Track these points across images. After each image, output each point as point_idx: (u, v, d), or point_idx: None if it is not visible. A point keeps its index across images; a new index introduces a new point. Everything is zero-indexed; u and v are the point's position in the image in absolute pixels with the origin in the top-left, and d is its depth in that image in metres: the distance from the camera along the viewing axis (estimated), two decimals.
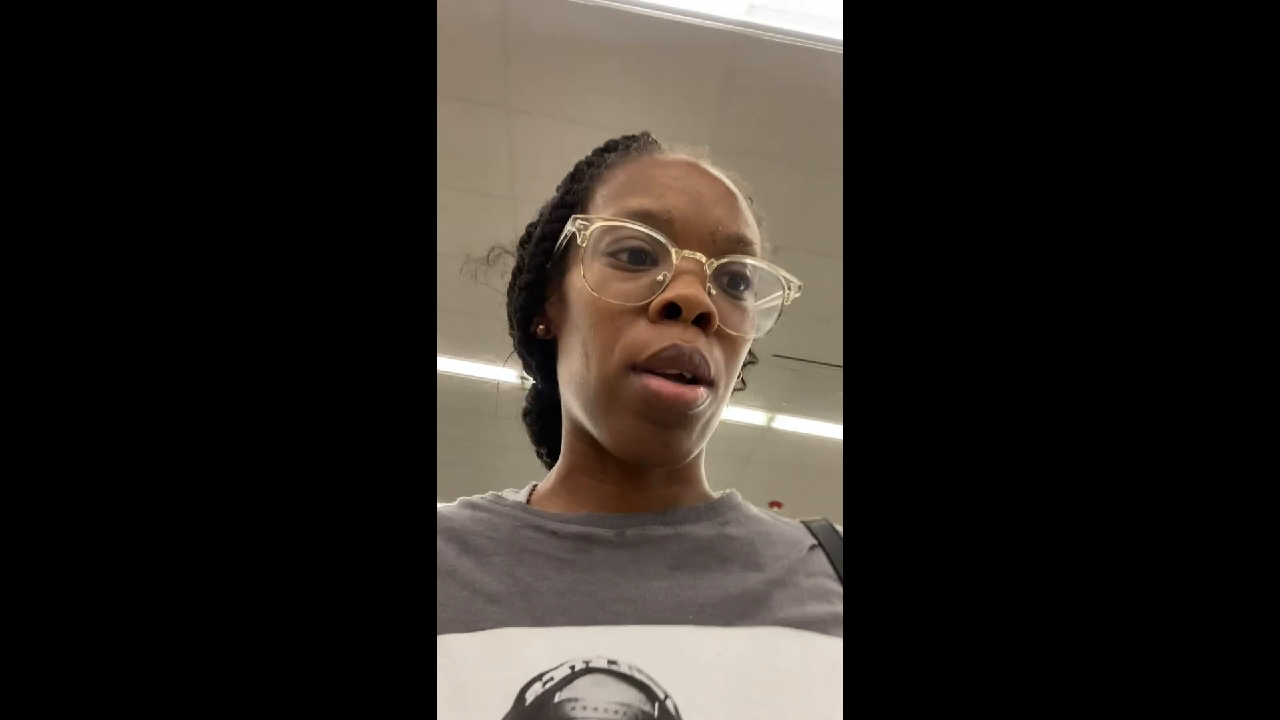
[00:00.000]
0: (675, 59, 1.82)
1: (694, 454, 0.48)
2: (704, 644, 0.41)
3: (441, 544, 0.46)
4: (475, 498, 0.52)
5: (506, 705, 0.37)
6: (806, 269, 0.54)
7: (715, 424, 0.48)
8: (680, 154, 0.52)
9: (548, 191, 0.55)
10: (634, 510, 0.49)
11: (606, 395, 0.45)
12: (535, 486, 0.54)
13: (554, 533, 0.47)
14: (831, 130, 1.98)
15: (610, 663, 0.39)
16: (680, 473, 0.51)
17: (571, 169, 0.55)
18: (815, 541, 0.50)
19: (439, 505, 0.51)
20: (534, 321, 0.53)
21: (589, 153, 0.55)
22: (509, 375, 0.60)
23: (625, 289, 0.45)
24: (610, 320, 0.45)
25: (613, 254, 0.46)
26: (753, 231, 0.49)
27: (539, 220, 0.54)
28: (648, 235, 0.45)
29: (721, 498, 0.52)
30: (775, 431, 3.53)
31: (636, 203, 0.46)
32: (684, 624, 0.42)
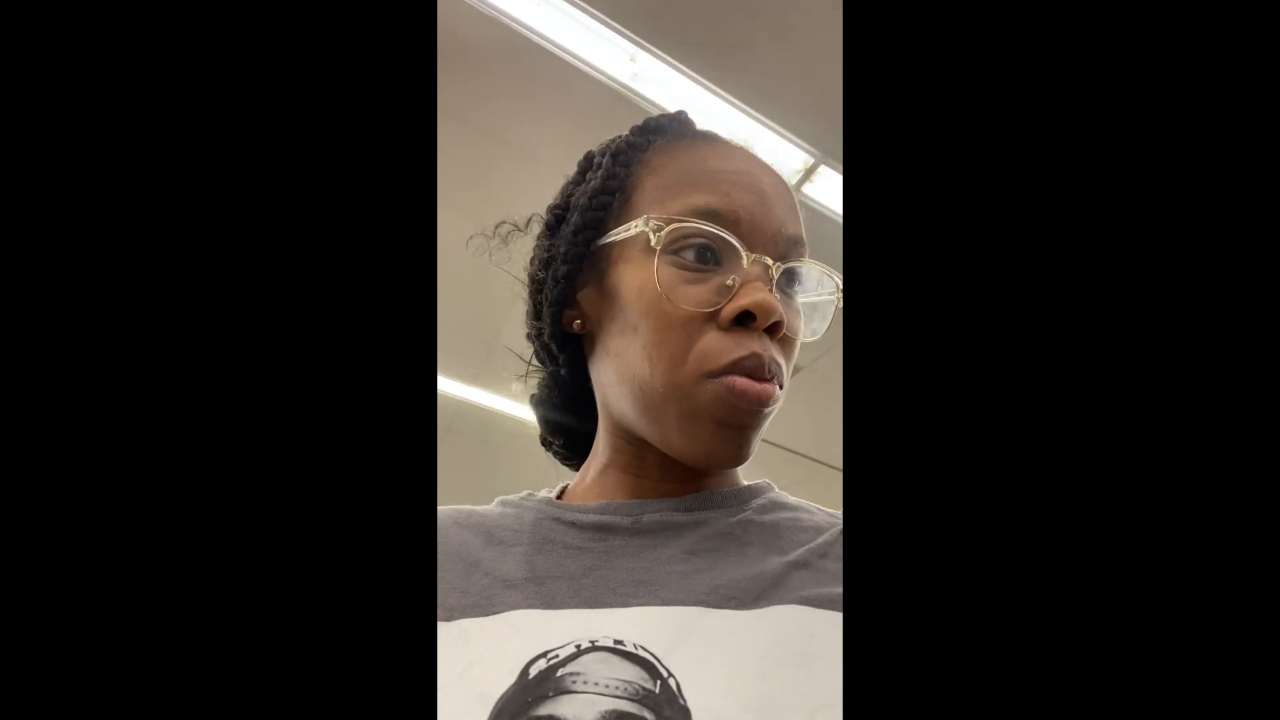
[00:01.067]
0: (566, 96, 1.94)
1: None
2: (714, 624, 0.40)
3: (472, 538, 0.48)
4: (511, 496, 0.53)
5: (510, 679, 0.38)
6: None
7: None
8: (733, 143, 0.51)
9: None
10: (657, 496, 0.49)
11: (680, 400, 0.44)
12: (566, 486, 0.54)
13: (572, 523, 0.47)
14: None
15: (616, 641, 0.39)
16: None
17: (610, 149, 0.51)
18: None
19: (479, 507, 0.52)
20: (566, 313, 0.51)
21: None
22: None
23: (693, 293, 0.44)
24: (680, 326, 0.43)
25: (675, 252, 0.44)
26: (803, 233, 0.48)
27: (572, 206, 0.51)
28: (718, 236, 0.44)
29: (749, 485, 0.51)
30: None
31: (701, 200, 0.45)
32: (695, 605, 0.41)
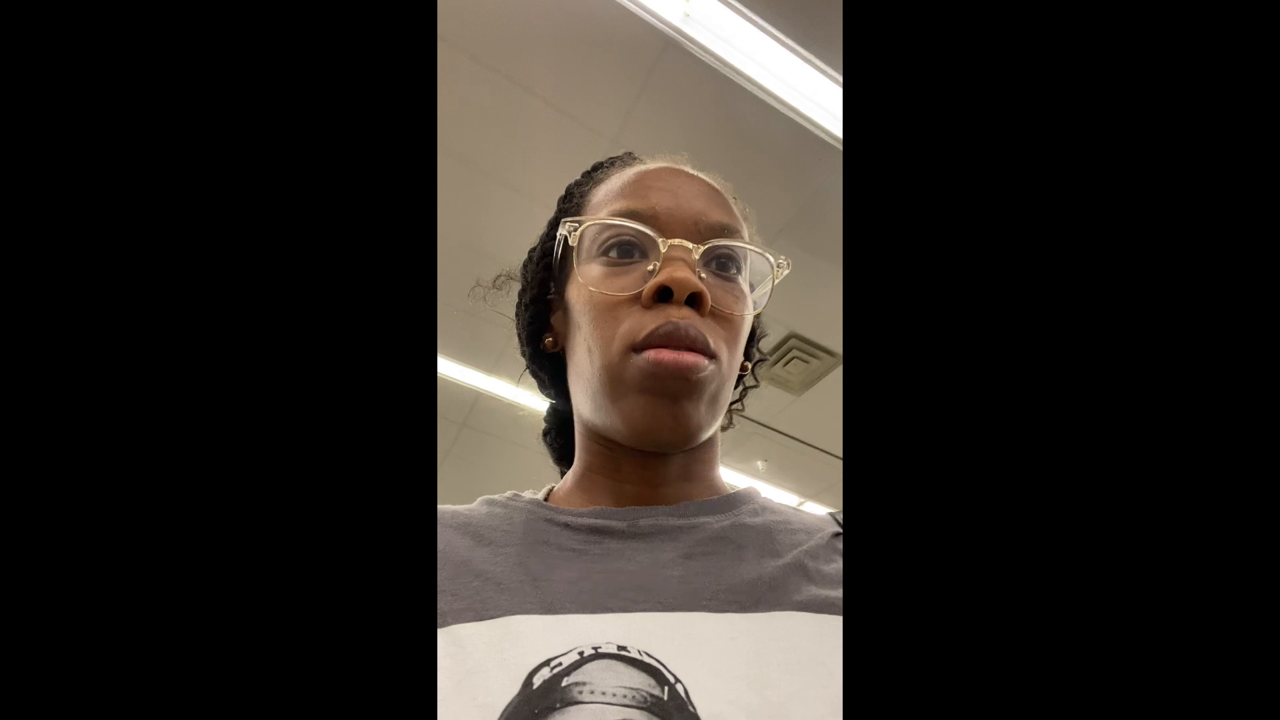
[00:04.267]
0: (608, 38, 1.84)
1: (705, 433, 0.48)
2: (717, 629, 0.40)
3: (458, 538, 0.47)
4: (495, 496, 0.53)
5: (514, 689, 0.36)
6: None
7: (722, 406, 0.49)
8: (661, 162, 0.54)
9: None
10: (655, 504, 0.49)
11: (611, 381, 0.46)
12: (553, 488, 0.55)
13: (566, 525, 0.47)
14: (724, 163, 2.09)
15: (620, 648, 0.38)
16: (695, 469, 0.51)
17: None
18: (840, 529, 0.50)
19: (461, 506, 0.52)
20: (542, 337, 0.55)
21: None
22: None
23: (619, 282, 0.47)
24: (608, 311, 0.47)
25: (604, 252, 0.49)
26: (737, 221, 0.51)
27: (537, 243, 0.57)
28: (635, 230, 0.48)
29: (739, 491, 0.52)
30: None
31: (622, 204, 0.49)
32: (697, 610, 0.41)
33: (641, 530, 0.46)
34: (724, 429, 0.59)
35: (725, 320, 0.48)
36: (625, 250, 0.48)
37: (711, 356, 0.46)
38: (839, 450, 3.15)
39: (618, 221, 0.48)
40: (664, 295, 0.46)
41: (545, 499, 0.53)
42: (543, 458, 0.64)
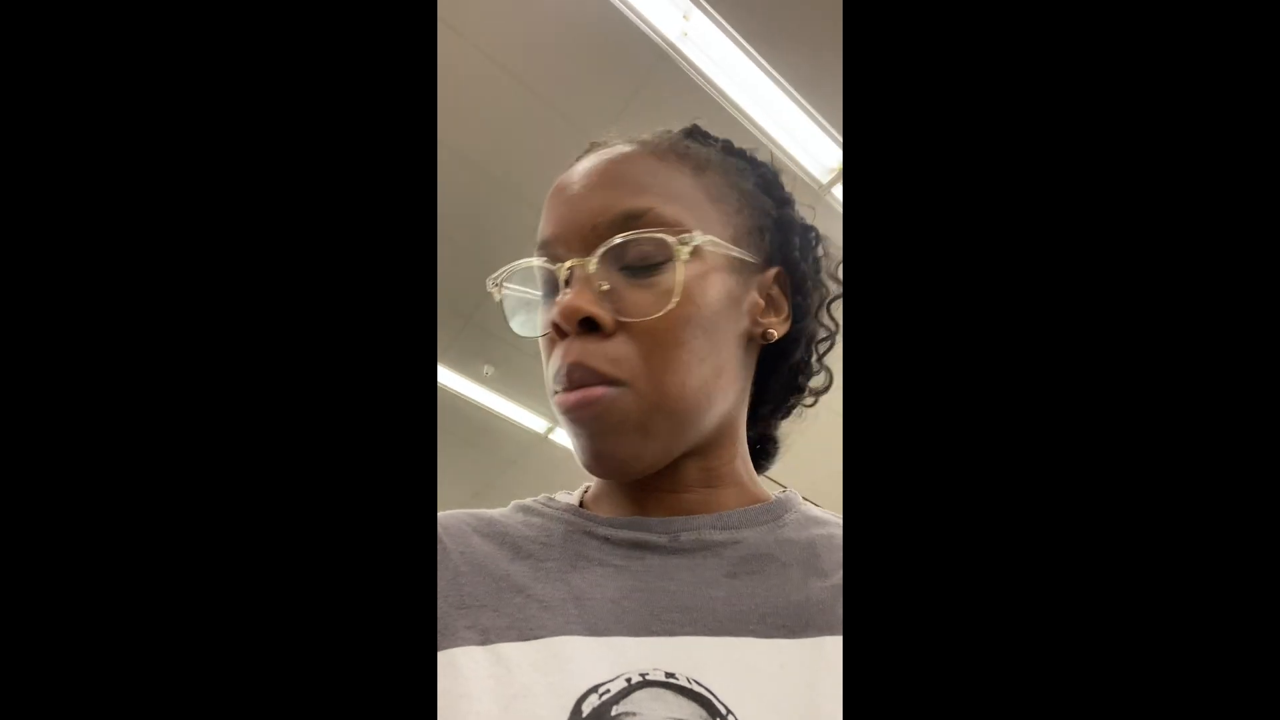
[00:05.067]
0: (607, 44, 1.86)
1: (658, 458, 0.44)
2: (766, 656, 0.39)
3: (494, 549, 0.45)
4: (528, 501, 0.50)
5: (563, 716, 0.35)
6: None
7: (677, 424, 0.44)
8: (583, 160, 0.49)
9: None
10: (681, 510, 0.47)
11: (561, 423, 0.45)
12: (589, 488, 0.52)
13: (606, 538, 0.45)
14: None
15: (668, 675, 0.37)
16: (714, 475, 0.48)
17: None
18: None
19: (492, 511, 0.49)
20: None
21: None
22: None
23: (543, 321, 0.46)
24: (546, 352, 0.46)
25: (543, 294, 0.47)
26: (647, 198, 0.44)
27: None
28: (539, 267, 0.46)
29: (778, 498, 0.50)
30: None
31: (539, 236, 0.46)
32: (745, 635, 0.40)
33: (683, 545, 0.45)
34: (819, 390, 0.55)
35: (642, 330, 0.42)
36: (549, 287, 0.46)
37: (612, 383, 0.42)
38: None
39: (525, 263, 0.47)
40: (562, 331, 0.43)
41: (580, 502, 0.51)
42: None
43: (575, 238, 0.44)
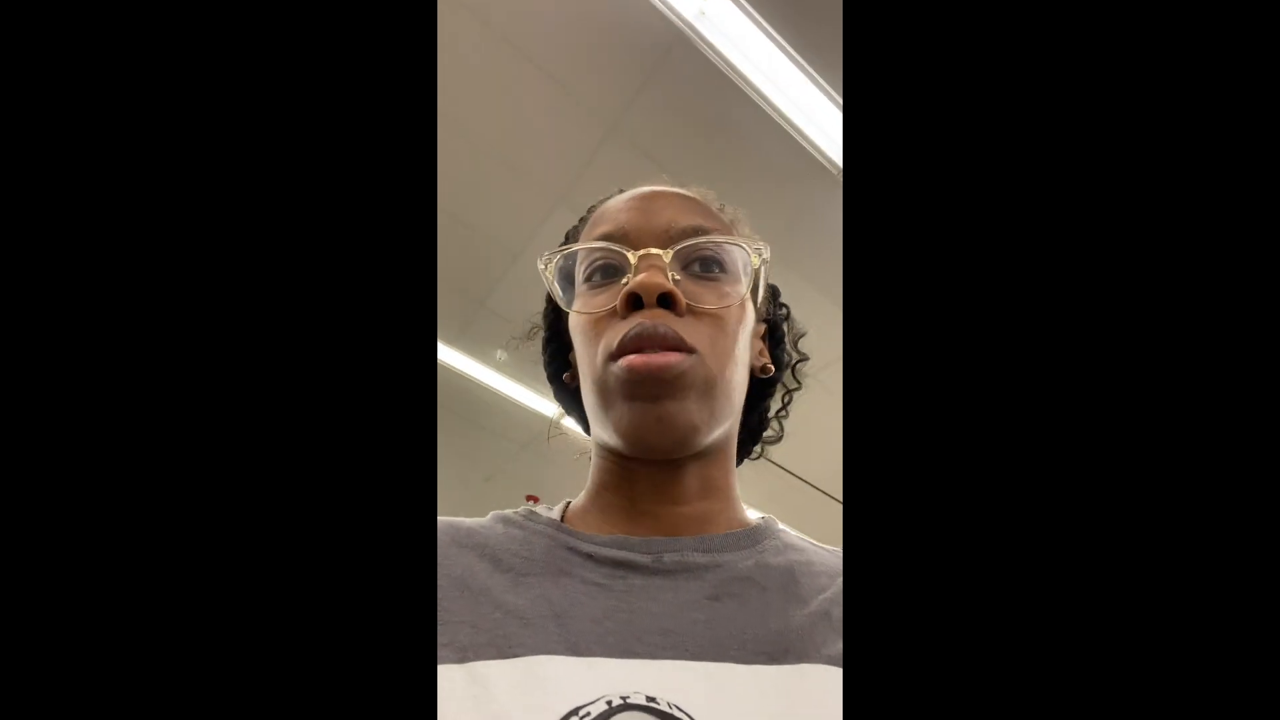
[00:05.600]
0: (621, 24, 1.82)
1: (707, 431, 0.47)
2: (746, 682, 0.39)
3: (474, 560, 0.46)
4: (509, 512, 0.51)
5: None
6: None
7: (722, 401, 0.48)
8: (638, 189, 0.56)
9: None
10: (665, 531, 0.48)
11: (600, 392, 0.47)
12: (570, 503, 0.54)
13: (589, 555, 0.46)
14: (713, 165, 2.08)
15: (649, 699, 0.37)
16: (714, 480, 0.50)
17: None
18: None
19: (472, 521, 0.50)
20: (563, 374, 0.58)
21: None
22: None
23: (598, 299, 0.49)
24: (592, 328, 0.48)
25: (587, 279, 0.51)
26: (714, 222, 0.52)
27: (543, 311, 0.60)
28: (605, 248, 0.49)
29: (757, 524, 0.51)
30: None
31: (597, 232, 0.51)
32: (725, 661, 0.40)
33: (665, 567, 0.45)
34: (772, 441, 0.59)
35: (707, 316, 0.48)
36: (606, 272, 0.50)
37: (689, 351, 0.45)
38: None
39: (586, 245, 0.51)
40: (636, 303, 0.46)
41: (562, 517, 0.51)
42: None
43: (647, 235, 0.49)
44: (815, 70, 1.88)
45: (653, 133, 2.02)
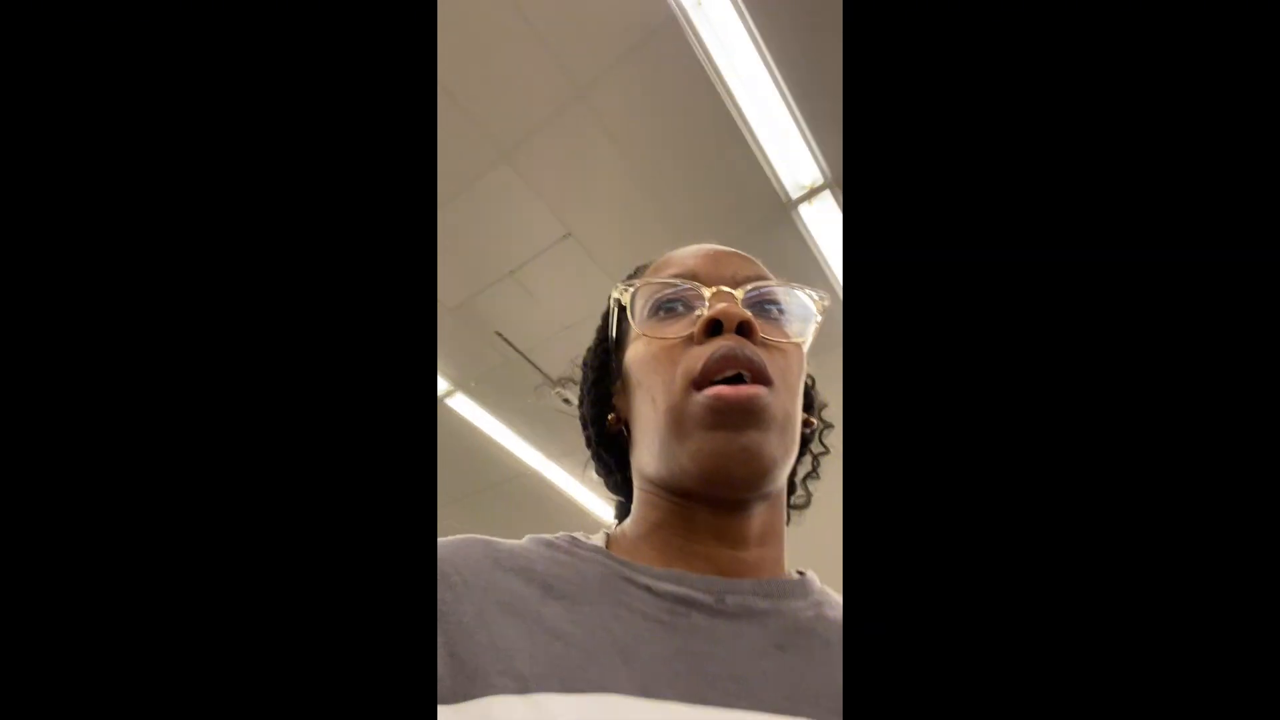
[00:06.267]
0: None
1: (781, 468, 0.46)
2: None
3: (519, 584, 0.44)
4: (549, 537, 0.50)
5: None
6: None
7: (791, 440, 0.47)
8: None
9: None
10: (723, 573, 0.46)
11: (676, 421, 0.46)
12: (609, 536, 0.52)
13: (648, 588, 0.44)
14: (667, 158, 2.03)
15: None
16: (773, 526, 0.49)
17: None
18: None
19: (510, 542, 0.48)
20: (606, 417, 0.56)
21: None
22: None
23: (673, 328, 0.49)
24: (665, 355, 0.48)
25: (654, 314, 0.51)
26: (772, 278, 0.53)
27: (594, 337, 0.60)
28: (679, 285, 0.50)
29: (804, 577, 0.50)
30: None
31: (664, 276, 0.52)
32: (800, 715, 0.39)
33: (728, 608, 0.44)
34: (800, 506, 0.58)
35: (776, 350, 0.48)
36: (673, 307, 0.51)
37: (769, 382, 0.46)
38: None
39: (663, 279, 0.52)
40: (714, 330, 0.47)
41: (606, 546, 0.50)
42: None
43: (717, 278, 0.51)
44: (792, 95, 1.85)
45: (617, 108, 1.94)
